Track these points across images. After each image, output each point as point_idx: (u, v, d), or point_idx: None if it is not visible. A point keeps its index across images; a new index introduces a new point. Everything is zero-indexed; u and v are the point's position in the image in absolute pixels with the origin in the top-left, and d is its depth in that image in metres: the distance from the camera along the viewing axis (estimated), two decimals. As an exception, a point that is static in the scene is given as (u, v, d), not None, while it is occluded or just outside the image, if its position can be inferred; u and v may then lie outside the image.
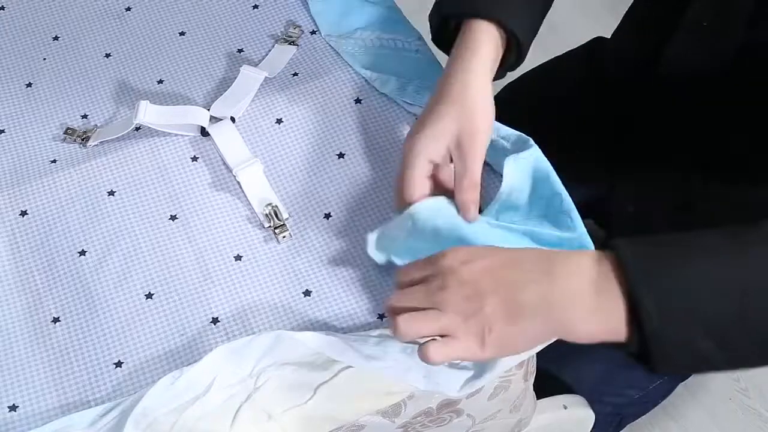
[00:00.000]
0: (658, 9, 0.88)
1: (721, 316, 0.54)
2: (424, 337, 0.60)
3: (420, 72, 0.83)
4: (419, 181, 0.70)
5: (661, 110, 0.87)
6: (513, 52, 0.75)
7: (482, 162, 0.70)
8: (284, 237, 0.74)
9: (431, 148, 0.70)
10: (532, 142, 0.73)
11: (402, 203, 0.70)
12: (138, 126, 0.80)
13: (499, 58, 0.75)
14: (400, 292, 0.63)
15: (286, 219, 0.75)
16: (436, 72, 0.80)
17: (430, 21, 0.79)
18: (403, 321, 0.60)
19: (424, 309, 0.60)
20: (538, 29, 0.78)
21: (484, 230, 0.68)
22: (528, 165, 0.72)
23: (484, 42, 0.73)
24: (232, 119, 0.81)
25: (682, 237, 0.58)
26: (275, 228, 0.74)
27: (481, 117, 0.71)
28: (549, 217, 0.70)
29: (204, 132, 0.80)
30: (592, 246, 0.68)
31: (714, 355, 0.55)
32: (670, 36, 0.81)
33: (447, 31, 0.77)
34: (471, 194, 0.69)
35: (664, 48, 0.81)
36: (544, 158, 0.73)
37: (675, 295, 0.55)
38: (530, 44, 0.76)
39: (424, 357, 0.60)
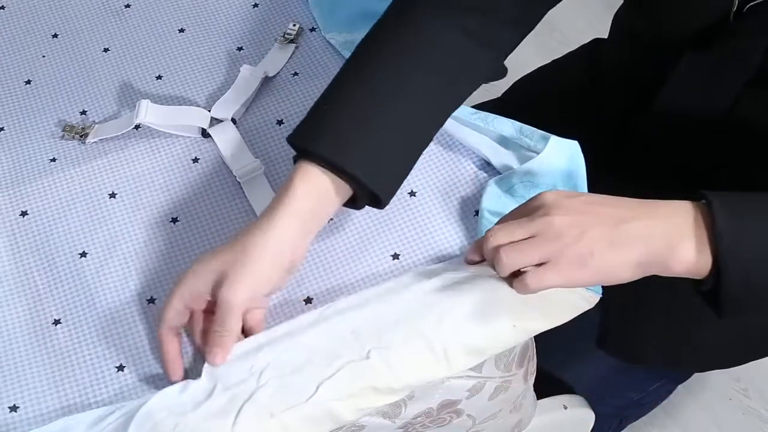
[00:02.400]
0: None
1: None
2: (525, 268, 0.62)
3: None
4: (174, 314, 0.66)
5: (661, 112, 0.87)
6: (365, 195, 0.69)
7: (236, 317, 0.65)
8: (285, 238, 0.74)
9: (190, 284, 0.66)
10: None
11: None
12: (138, 125, 0.80)
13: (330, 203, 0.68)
14: (499, 226, 0.64)
15: (287, 220, 0.75)
16: None
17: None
18: (507, 252, 0.61)
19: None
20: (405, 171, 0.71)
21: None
22: (567, 149, 0.75)
23: (303, 188, 0.66)
24: (233, 121, 0.81)
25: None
26: (276, 230, 0.74)
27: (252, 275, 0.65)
28: None
29: (205, 133, 0.80)
30: None
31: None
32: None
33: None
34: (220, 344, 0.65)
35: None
36: (581, 156, 0.75)
37: (756, 265, 0.59)
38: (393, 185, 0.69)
39: (521, 287, 0.62)
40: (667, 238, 0.61)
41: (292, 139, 0.69)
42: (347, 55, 0.85)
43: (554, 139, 0.74)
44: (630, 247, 0.61)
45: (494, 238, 0.63)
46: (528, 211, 0.64)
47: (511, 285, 0.64)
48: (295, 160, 0.69)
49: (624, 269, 0.62)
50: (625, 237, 0.61)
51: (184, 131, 0.81)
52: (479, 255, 0.68)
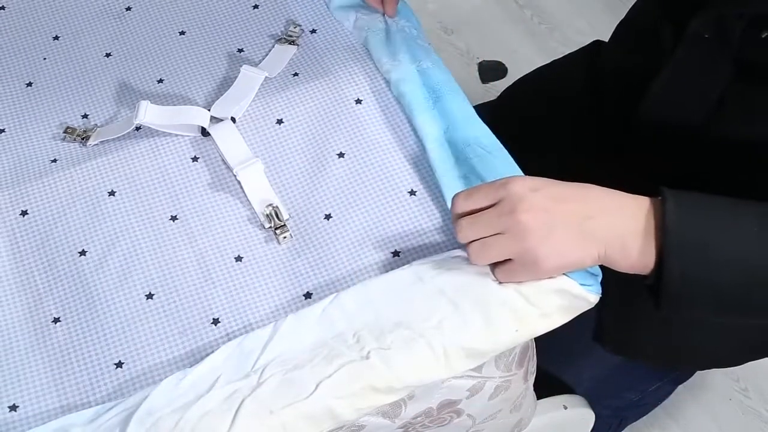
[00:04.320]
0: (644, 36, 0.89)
1: (728, 287, 0.63)
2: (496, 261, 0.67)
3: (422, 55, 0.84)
4: None
5: (660, 113, 0.87)
6: None
7: None
8: (285, 238, 0.74)
9: None
10: None
11: None
12: (138, 126, 0.80)
13: None
14: (469, 220, 0.67)
15: (287, 219, 0.75)
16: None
17: None
18: (476, 249, 0.67)
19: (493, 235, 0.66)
20: None
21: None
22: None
23: None
24: (233, 119, 0.81)
25: (725, 202, 0.65)
26: (276, 228, 0.74)
27: None
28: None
29: (204, 132, 0.80)
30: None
31: (708, 312, 0.67)
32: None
33: None
34: None
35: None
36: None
37: (696, 262, 0.63)
38: None
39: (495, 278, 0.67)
40: (621, 238, 0.64)
41: None
42: (356, 32, 0.86)
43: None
44: (592, 245, 0.64)
45: (463, 234, 0.67)
46: (492, 195, 0.66)
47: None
48: None
49: (584, 263, 0.66)
50: (590, 235, 0.64)
51: (184, 130, 0.81)
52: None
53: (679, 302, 0.65)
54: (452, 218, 0.69)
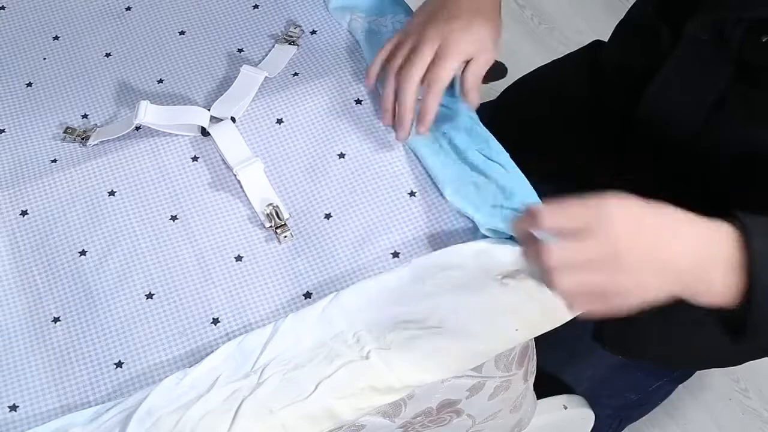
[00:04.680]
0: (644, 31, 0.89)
1: None
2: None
3: None
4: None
5: (660, 113, 0.87)
6: None
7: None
8: (286, 237, 0.74)
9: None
10: None
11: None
12: (138, 126, 0.80)
13: None
14: (559, 246, 0.59)
15: (287, 219, 0.75)
16: None
17: None
18: (564, 280, 0.59)
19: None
20: None
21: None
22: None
23: None
24: (233, 119, 0.81)
25: None
26: (276, 228, 0.74)
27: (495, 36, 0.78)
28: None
29: (204, 132, 0.80)
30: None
31: None
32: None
33: None
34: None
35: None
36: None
37: None
38: None
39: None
40: (698, 285, 0.60)
41: None
42: (356, 34, 0.86)
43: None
44: (668, 278, 0.60)
45: (549, 258, 0.59)
46: (583, 220, 0.60)
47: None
48: None
49: (655, 297, 0.61)
50: (671, 271, 0.60)
51: (184, 130, 0.81)
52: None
53: (764, 333, 0.61)
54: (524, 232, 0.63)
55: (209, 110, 0.81)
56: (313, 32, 0.88)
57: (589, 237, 0.58)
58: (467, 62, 0.78)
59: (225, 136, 0.79)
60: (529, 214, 0.61)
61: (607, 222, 0.59)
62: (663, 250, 0.59)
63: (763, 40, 0.72)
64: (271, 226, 0.75)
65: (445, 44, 0.77)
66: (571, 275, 0.59)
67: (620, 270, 0.58)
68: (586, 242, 0.58)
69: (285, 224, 0.74)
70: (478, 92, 0.79)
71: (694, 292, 0.60)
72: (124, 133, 0.80)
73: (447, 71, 0.76)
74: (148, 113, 0.78)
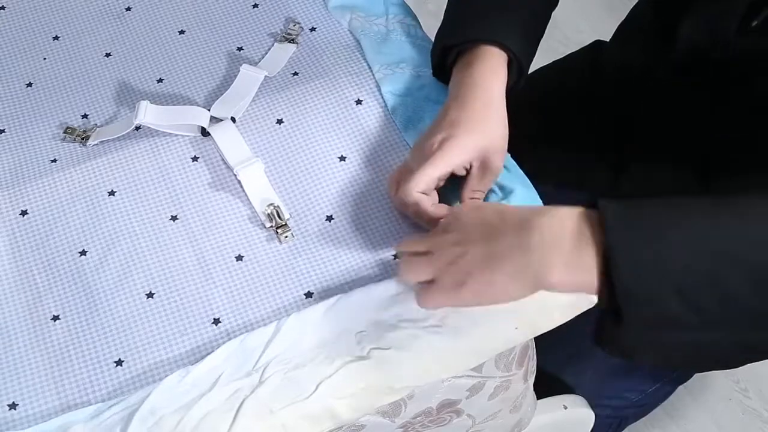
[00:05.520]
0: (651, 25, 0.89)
1: (693, 277, 0.55)
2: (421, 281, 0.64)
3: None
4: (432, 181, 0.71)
5: (660, 114, 0.87)
6: (514, 74, 0.78)
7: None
8: (287, 237, 0.74)
9: (459, 159, 0.71)
10: None
11: (405, 195, 0.71)
12: (138, 126, 0.80)
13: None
14: (416, 235, 0.67)
15: (288, 219, 0.75)
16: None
17: (432, 55, 0.81)
18: (402, 264, 0.66)
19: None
20: (534, 53, 0.81)
21: None
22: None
23: (500, 64, 0.75)
24: (233, 119, 0.81)
25: (667, 200, 0.58)
26: (277, 228, 0.74)
27: (503, 137, 0.74)
28: None
29: (204, 132, 0.80)
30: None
31: (686, 317, 0.56)
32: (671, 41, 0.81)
33: (446, 64, 0.79)
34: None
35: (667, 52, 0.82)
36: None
37: (647, 252, 0.55)
38: (529, 67, 0.79)
39: (418, 302, 0.64)
40: (540, 260, 0.58)
41: (450, 40, 0.77)
42: (356, 34, 0.86)
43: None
44: (503, 269, 0.59)
45: (401, 245, 0.68)
46: (441, 225, 0.66)
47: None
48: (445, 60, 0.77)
49: (502, 292, 0.60)
50: (498, 257, 0.59)
51: (184, 130, 0.81)
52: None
53: (638, 306, 0.56)
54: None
55: (209, 110, 0.81)
56: (313, 29, 0.88)
57: (443, 233, 0.64)
58: None
59: (225, 136, 0.79)
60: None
61: (457, 218, 0.64)
62: (493, 241, 0.60)
63: (753, 25, 0.72)
64: (271, 226, 0.75)
65: None
66: (409, 266, 0.64)
67: (454, 254, 0.61)
68: (440, 235, 0.64)
69: (286, 224, 0.74)
70: None
71: (540, 280, 0.58)
72: (124, 133, 0.80)
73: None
74: (148, 113, 0.78)
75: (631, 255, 0.55)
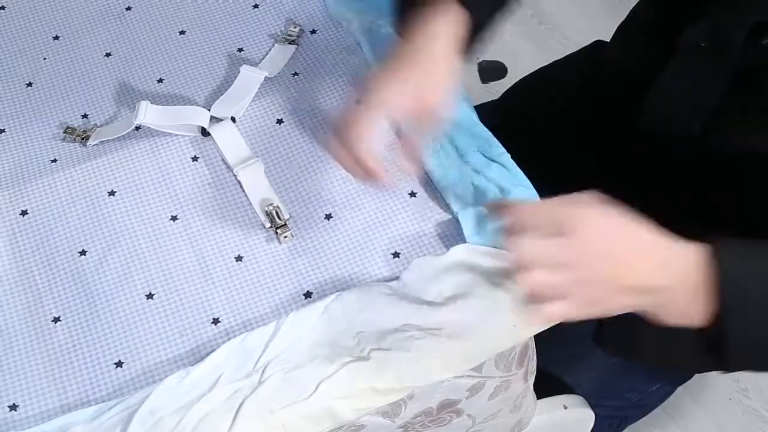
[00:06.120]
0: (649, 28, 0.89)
1: None
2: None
3: None
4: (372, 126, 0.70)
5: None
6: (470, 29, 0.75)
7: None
8: (286, 237, 0.74)
9: (395, 100, 0.69)
10: None
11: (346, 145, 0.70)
12: (138, 126, 0.80)
13: (462, 36, 0.74)
14: (528, 245, 0.60)
15: (287, 219, 0.75)
16: None
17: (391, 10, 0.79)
18: (535, 280, 0.59)
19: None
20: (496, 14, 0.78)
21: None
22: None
23: (450, 21, 0.72)
24: (233, 119, 0.81)
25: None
26: (277, 228, 0.74)
27: (444, 88, 0.71)
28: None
29: (204, 132, 0.80)
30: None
31: None
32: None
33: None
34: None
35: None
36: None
37: (757, 307, 0.59)
38: (489, 22, 0.77)
39: (540, 316, 0.61)
40: (665, 303, 0.61)
41: None
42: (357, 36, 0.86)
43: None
44: (631, 300, 0.61)
45: (517, 250, 0.60)
46: (560, 216, 0.60)
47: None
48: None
49: (617, 310, 0.62)
50: (631, 292, 0.60)
51: (184, 130, 0.81)
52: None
53: (745, 361, 0.62)
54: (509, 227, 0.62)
55: (209, 110, 0.81)
56: (313, 31, 0.88)
57: (560, 236, 0.59)
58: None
59: (225, 136, 0.79)
60: (504, 206, 0.63)
61: (581, 225, 0.59)
62: (627, 271, 0.60)
63: (764, 43, 0.72)
64: (271, 227, 0.75)
65: None
66: (536, 272, 0.59)
67: (584, 279, 0.59)
68: (557, 240, 0.59)
69: (285, 224, 0.74)
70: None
71: (658, 312, 0.61)
72: (124, 133, 0.80)
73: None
74: (148, 113, 0.78)
75: (741, 319, 0.59)
